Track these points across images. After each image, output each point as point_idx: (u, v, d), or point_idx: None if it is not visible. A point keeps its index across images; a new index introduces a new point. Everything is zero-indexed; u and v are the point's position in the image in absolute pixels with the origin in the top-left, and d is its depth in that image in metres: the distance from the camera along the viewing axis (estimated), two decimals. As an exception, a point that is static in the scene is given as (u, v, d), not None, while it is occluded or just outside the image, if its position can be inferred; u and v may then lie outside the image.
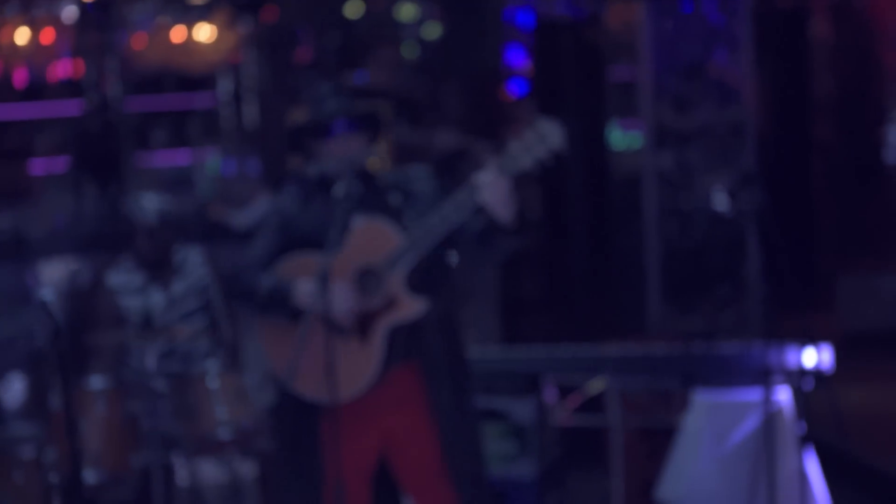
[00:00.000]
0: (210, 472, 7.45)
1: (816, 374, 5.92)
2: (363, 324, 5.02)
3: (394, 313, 5.01)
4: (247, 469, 6.78)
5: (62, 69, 12.54)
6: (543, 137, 4.86)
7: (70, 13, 12.42)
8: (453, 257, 5.11)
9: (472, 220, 4.97)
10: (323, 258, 4.87)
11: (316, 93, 5.19)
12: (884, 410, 8.67)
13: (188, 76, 13.25)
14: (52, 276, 8.54)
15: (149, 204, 6.71)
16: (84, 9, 12.22)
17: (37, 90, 12.42)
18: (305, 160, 5.23)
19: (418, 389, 5.09)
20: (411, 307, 5.00)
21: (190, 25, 12.92)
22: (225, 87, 13.22)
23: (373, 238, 5.02)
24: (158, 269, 6.73)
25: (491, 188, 4.86)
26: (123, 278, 6.71)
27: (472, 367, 5.27)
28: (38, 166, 11.68)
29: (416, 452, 5.13)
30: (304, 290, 4.99)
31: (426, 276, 5.07)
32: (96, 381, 6.29)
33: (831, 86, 12.85)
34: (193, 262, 6.81)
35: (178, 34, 12.82)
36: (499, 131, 12.49)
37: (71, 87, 12.54)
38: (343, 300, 4.96)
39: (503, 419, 6.73)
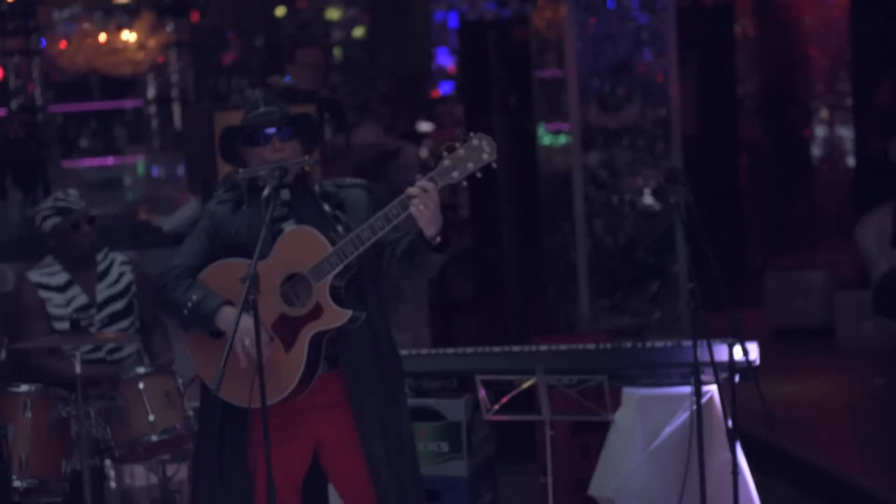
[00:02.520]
0: (140, 476, 7.41)
1: (744, 368, 5.97)
2: (288, 331, 5.01)
3: (319, 321, 5.00)
4: (177, 472, 6.74)
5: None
6: (477, 151, 4.86)
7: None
8: (383, 269, 5.13)
9: (402, 233, 4.99)
10: (250, 264, 4.85)
11: (248, 99, 5.18)
12: (810, 403, 8.76)
13: (113, 80, 13.17)
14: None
15: (73, 200, 6.65)
16: (6, 12, 12.10)
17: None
18: (237, 166, 5.21)
19: (345, 396, 5.10)
20: (337, 316, 5.00)
21: (115, 29, 12.83)
22: (150, 90, 13.15)
23: (301, 245, 5.01)
24: (80, 268, 6.67)
25: (421, 201, 4.86)
26: (45, 278, 6.65)
27: (402, 371, 5.28)
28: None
29: (343, 458, 5.15)
30: (228, 313, 4.98)
31: (353, 285, 5.07)
32: (24, 386, 6.22)
33: (757, 83, 12.96)
34: (119, 266, 6.76)
35: (102, 38, 12.73)
36: (426, 132, 12.50)
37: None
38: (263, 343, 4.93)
39: (435, 419, 6.74)
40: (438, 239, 4.91)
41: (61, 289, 6.63)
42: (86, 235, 6.62)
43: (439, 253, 4.93)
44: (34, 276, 6.66)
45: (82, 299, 6.63)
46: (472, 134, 4.87)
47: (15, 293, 6.75)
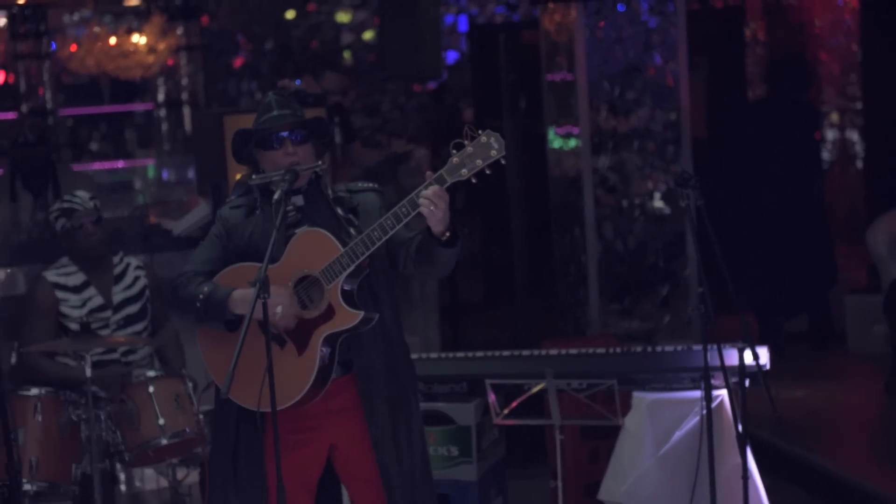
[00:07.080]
0: (150, 479, 7.42)
1: (755, 373, 5.96)
2: (301, 333, 5.01)
3: (331, 322, 5.00)
4: (187, 476, 6.75)
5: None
6: (485, 148, 4.86)
7: (2, 20, 12.33)
8: (399, 269, 5.13)
9: (416, 232, 4.99)
10: (262, 266, 4.85)
11: (261, 102, 5.19)
12: (820, 408, 8.75)
13: (123, 83, 13.18)
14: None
15: (78, 201, 6.67)
16: (17, 16, 12.13)
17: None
18: (251, 169, 5.21)
19: (358, 401, 5.10)
20: (349, 317, 4.99)
21: (125, 32, 12.85)
22: (161, 93, 13.17)
23: (313, 247, 5.01)
24: (95, 270, 6.69)
25: (431, 199, 4.86)
26: (62, 278, 6.67)
27: (415, 375, 5.28)
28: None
29: (356, 462, 5.16)
30: (239, 296, 4.98)
31: (366, 288, 5.07)
32: (34, 389, 6.23)
33: (766, 86, 12.93)
34: (134, 270, 6.79)
35: (112, 41, 12.75)
36: (437, 136, 12.50)
37: (5, 95, 12.45)
38: (281, 305, 4.94)
39: (445, 423, 6.74)
40: (447, 235, 4.91)
41: (77, 289, 6.66)
42: (90, 235, 6.63)
43: (448, 248, 4.94)
44: (51, 276, 6.68)
45: (98, 300, 6.66)
46: (480, 131, 4.88)
47: (30, 292, 6.75)
